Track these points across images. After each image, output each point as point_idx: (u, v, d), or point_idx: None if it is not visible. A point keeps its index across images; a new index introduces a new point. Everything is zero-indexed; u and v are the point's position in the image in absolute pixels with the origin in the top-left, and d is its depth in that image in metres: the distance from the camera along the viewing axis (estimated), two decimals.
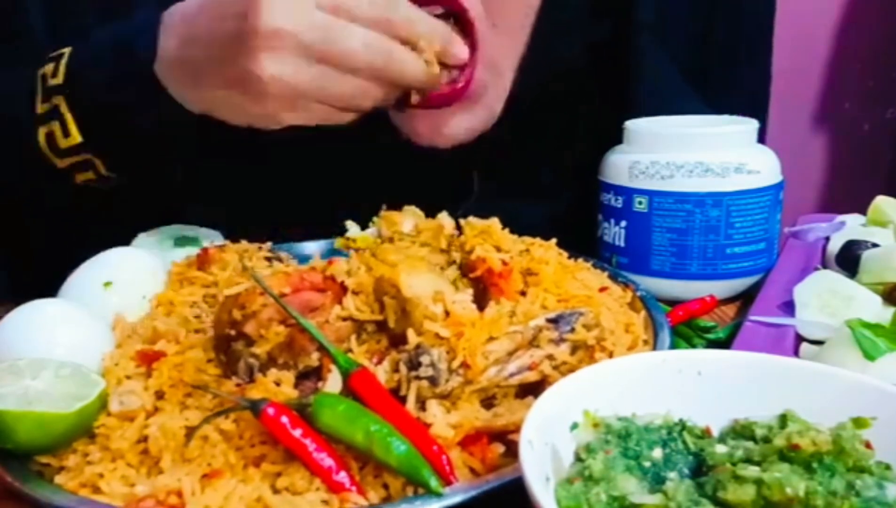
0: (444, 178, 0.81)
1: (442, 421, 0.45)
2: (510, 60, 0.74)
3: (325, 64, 0.56)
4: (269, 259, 0.70)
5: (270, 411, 0.43)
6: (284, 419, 0.43)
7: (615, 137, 0.78)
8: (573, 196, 0.87)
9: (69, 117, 0.62)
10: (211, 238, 0.74)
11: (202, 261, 0.65)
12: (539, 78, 0.76)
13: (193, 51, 0.58)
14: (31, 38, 0.74)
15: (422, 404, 0.47)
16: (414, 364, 0.47)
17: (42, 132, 0.63)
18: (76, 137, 0.63)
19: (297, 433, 0.43)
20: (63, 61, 0.64)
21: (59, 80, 0.63)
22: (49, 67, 0.64)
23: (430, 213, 0.66)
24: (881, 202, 0.83)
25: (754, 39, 1.09)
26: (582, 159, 0.81)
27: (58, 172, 0.65)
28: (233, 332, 0.51)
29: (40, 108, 0.63)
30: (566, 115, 0.86)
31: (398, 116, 0.71)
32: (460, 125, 0.71)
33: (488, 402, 0.49)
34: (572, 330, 0.51)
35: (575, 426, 0.39)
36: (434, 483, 0.41)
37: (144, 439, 0.46)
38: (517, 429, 0.37)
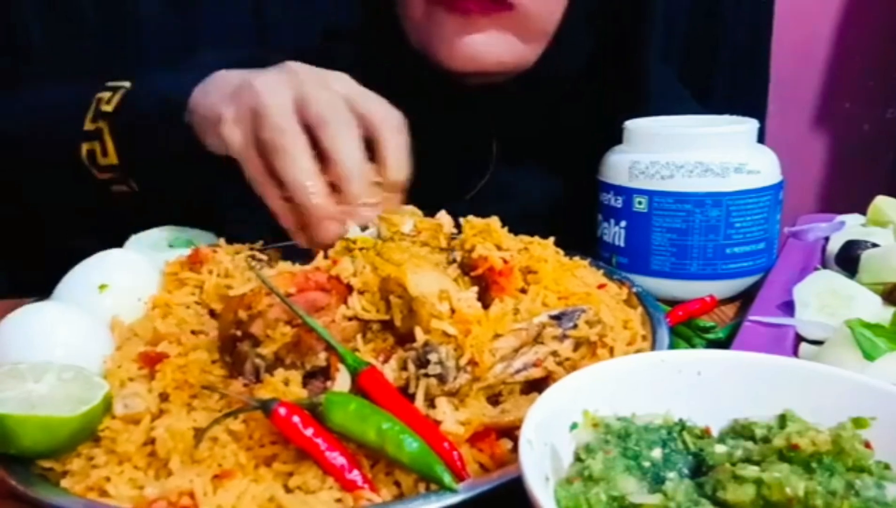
0: (467, 145, 0.87)
1: (451, 418, 0.45)
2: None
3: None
4: (252, 257, 0.70)
5: (282, 410, 0.43)
6: (296, 419, 0.43)
7: (615, 137, 0.78)
8: (572, 186, 0.88)
9: (109, 141, 0.70)
10: (205, 239, 0.73)
11: (193, 261, 0.65)
12: (555, 64, 0.81)
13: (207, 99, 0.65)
14: (30, 57, 0.84)
15: (430, 401, 0.47)
16: (422, 362, 0.47)
17: (85, 147, 0.71)
18: (113, 158, 0.70)
19: (309, 432, 0.43)
20: (119, 93, 0.72)
21: (110, 108, 0.71)
22: (106, 95, 0.72)
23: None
24: (881, 202, 0.83)
25: (753, 44, 1.10)
26: (582, 148, 0.82)
27: (96, 181, 0.72)
28: (239, 332, 0.51)
29: (88, 125, 0.71)
30: (574, 96, 0.88)
31: (431, 40, 0.78)
32: (491, 49, 0.77)
33: (495, 399, 0.50)
34: (575, 327, 0.52)
35: (574, 426, 0.39)
36: (448, 479, 0.41)
37: (151, 441, 0.46)
38: None
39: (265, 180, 0.60)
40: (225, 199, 0.77)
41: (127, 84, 0.73)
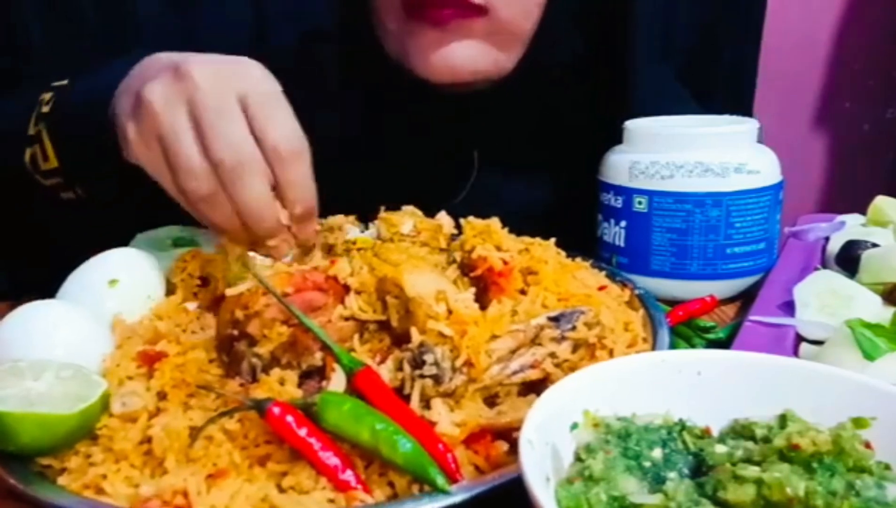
0: (447, 150, 0.85)
1: (446, 419, 0.45)
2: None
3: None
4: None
5: (276, 410, 0.43)
6: (290, 419, 0.43)
7: (615, 137, 0.78)
8: (569, 187, 0.88)
9: (48, 144, 0.66)
10: (209, 239, 0.73)
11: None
12: (538, 63, 0.80)
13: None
14: (30, 57, 0.80)
15: (426, 402, 0.47)
16: (418, 363, 0.47)
17: (28, 152, 0.67)
18: (53, 162, 0.66)
19: (303, 432, 0.43)
20: (57, 94, 0.67)
21: (48, 109, 0.67)
22: (47, 95, 0.68)
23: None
24: (881, 202, 0.83)
25: (744, 44, 1.10)
26: (579, 149, 0.82)
27: (45, 189, 0.68)
28: (235, 332, 0.51)
29: (31, 129, 0.67)
30: (563, 101, 0.87)
31: (408, 51, 0.76)
32: (467, 58, 0.75)
33: (491, 400, 0.49)
34: (574, 328, 0.52)
35: (575, 426, 0.39)
36: (441, 480, 0.41)
37: (147, 440, 0.46)
38: (520, 427, 0.37)
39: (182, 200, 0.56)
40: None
41: (67, 81, 0.69)
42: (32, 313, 0.53)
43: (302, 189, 0.57)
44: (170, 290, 0.65)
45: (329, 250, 0.65)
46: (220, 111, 0.54)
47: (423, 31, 0.75)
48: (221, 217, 0.56)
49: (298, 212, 0.57)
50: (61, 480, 0.45)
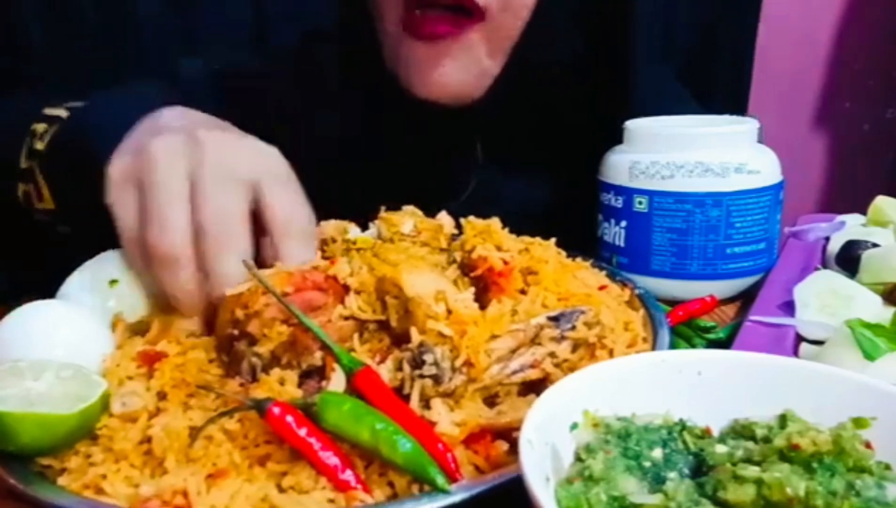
0: (449, 149, 0.85)
1: (446, 419, 0.45)
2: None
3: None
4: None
5: (276, 410, 0.43)
6: (290, 419, 0.43)
7: (615, 137, 0.78)
8: (570, 186, 0.88)
9: (42, 184, 0.63)
10: None
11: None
12: (537, 63, 0.79)
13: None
14: (30, 57, 0.76)
15: (426, 402, 0.47)
16: (417, 363, 0.47)
17: (21, 188, 0.64)
18: (49, 203, 0.64)
19: (303, 432, 0.43)
20: (53, 129, 0.63)
21: (42, 146, 0.63)
22: (40, 127, 0.64)
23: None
24: (881, 202, 0.83)
25: (740, 43, 1.10)
26: (579, 149, 0.82)
27: (39, 221, 0.66)
28: (235, 332, 0.51)
29: (24, 162, 0.63)
30: (564, 100, 0.87)
31: (400, 66, 0.75)
32: (459, 78, 0.75)
33: (491, 400, 0.49)
34: (573, 328, 0.52)
35: (575, 426, 0.39)
36: (441, 480, 0.41)
37: (147, 440, 0.46)
38: (520, 426, 0.37)
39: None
40: None
41: (63, 113, 0.64)
42: (32, 313, 0.53)
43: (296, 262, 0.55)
44: None
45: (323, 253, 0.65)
46: (222, 183, 0.52)
47: (416, 47, 0.74)
48: (173, 282, 0.53)
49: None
50: (61, 480, 0.45)
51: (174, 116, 0.59)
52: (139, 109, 0.60)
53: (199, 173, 0.52)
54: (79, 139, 0.62)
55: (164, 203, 0.52)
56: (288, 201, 0.55)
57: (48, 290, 0.59)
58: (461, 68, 0.75)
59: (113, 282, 0.60)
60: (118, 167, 0.55)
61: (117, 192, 0.55)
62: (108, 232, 0.63)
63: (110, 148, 0.58)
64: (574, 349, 0.52)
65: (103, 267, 0.61)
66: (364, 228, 0.69)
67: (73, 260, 0.62)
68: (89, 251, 0.63)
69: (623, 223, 0.75)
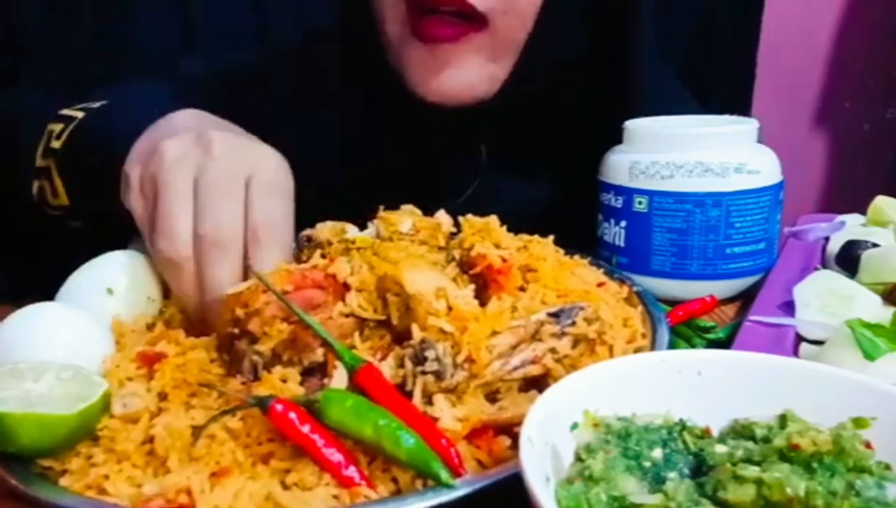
0: (452, 148, 0.85)
1: (449, 415, 0.45)
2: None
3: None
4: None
5: (279, 407, 0.43)
6: (292, 416, 0.43)
7: (615, 137, 0.78)
8: (570, 186, 0.88)
9: (58, 182, 0.65)
10: None
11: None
12: (542, 62, 0.79)
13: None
14: (30, 57, 0.77)
15: (428, 398, 0.47)
16: (419, 359, 0.47)
17: (36, 184, 0.66)
18: (63, 200, 0.66)
19: (306, 428, 0.43)
20: (70, 129, 0.66)
21: (59, 145, 0.65)
22: (57, 127, 0.66)
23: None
24: (881, 202, 0.83)
25: (740, 42, 1.09)
26: (579, 149, 0.82)
27: (50, 217, 0.68)
28: (236, 330, 0.51)
29: (39, 161, 0.66)
30: (565, 100, 0.87)
31: (404, 69, 0.76)
32: (463, 82, 0.75)
33: (492, 396, 0.50)
34: (573, 324, 0.52)
35: (575, 426, 0.39)
36: (445, 475, 0.41)
37: (149, 440, 0.46)
38: (522, 422, 0.37)
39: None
40: None
41: (80, 114, 0.67)
42: (33, 314, 0.53)
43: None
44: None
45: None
46: (224, 189, 0.54)
47: (419, 50, 0.74)
48: (179, 285, 0.55)
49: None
50: (63, 481, 0.45)
51: (187, 117, 0.61)
52: (155, 111, 0.62)
53: (204, 179, 0.54)
54: (97, 139, 0.64)
55: (170, 211, 0.54)
56: (267, 210, 0.55)
57: (48, 291, 0.59)
58: (466, 71, 0.75)
59: (112, 283, 0.60)
60: (133, 167, 0.58)
61: (133, 192, 0.58)
62: (118, 227, 0.65)
63: (126, 148, 0.60)
64: (574, 344, 0.52)
65: (103, 269, 0.61)
66: (362, 227, 0.69)
67: (74, 261, 0.62)
68: (90, 252, 0.63)
69: (623, 223, 0.75)
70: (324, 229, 0.68)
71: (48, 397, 0.46)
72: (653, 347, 0.56)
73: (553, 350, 0.51)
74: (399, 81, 0.78)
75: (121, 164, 0.60)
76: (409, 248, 0.62)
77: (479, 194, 0.87)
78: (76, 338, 0.53)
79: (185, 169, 0.55)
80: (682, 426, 0.40)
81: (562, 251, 0.65)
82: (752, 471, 0.34)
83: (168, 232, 0.54)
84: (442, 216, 0.68)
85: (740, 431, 0.39)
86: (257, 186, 0.55)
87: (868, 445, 0.37)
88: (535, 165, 0.89)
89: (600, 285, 0.62)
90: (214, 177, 0.54)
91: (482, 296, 0.56)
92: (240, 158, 0.56)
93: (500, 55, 0.77)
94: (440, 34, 0.72)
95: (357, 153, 0.85)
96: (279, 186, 0.57)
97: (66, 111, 0.67)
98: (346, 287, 0.54)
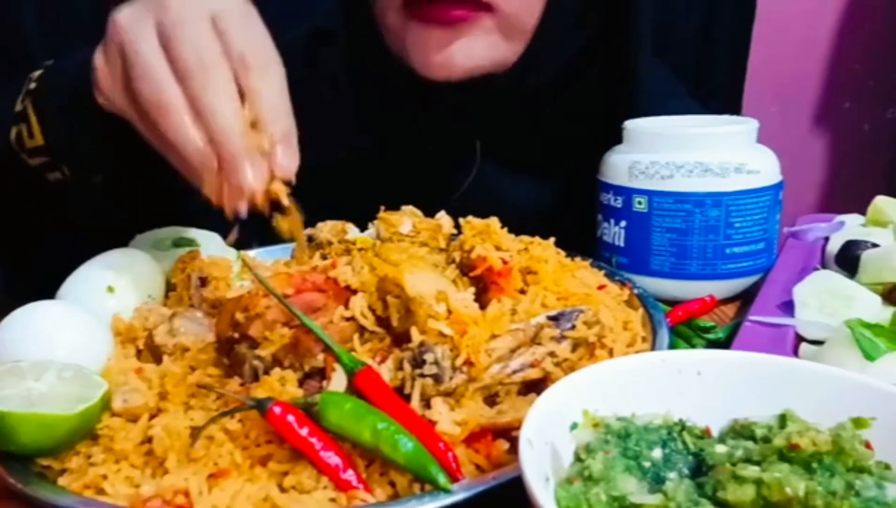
0: (449, 143, 0.85)
1: (447, 419, 0.45)
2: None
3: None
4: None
5: (277, 410, 0.43)
6: (291, 418, 0.43)
7: (615, 137, 0.78)
8: (569, 186, 0.88)
9: (33, 119, 0.64)
10: (209, 240, 0.73)
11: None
12: (541, 63, 0.79)
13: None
14: (30, 56, 0.77)
15: (426, 401, 0.47)
16: (418, 362, 0.47)
17: (14, 130, 0.65)
18: (38, 139, 0.64)
19: (304, 431, 0.43)
20: (46, 70, 0.65)
21: (34, 85, 0.65)
22: (36, 73, 0.66)
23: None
24: (881, 202, 0.83)
25: (735, 40, 1.09)
26: (579, 149, 0.82)
27: (32, 171, 0.66)
28: (236, 335, 0.51)
29: (18, 106, 0.65)
30: (564, 99, 0.87)
31: (408, 49, 0.76)
32: (470, 55, 0.75)
33: (491, 399, 0.50)
34: (573, 327, 0.52)
35: (574, 426, 0.39)
36: (442, 479, 0.41)
37: (148, 440, 0.46)
38: (521, 426, 0.37)
39: (157, 137, 0.53)
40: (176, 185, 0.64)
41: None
42: (34, 313, 0.53)
43: (274, 105, 0.53)
44: (170, 290, 0.65)
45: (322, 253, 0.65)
46: (187, 22, 0.51)
47: (425, 30, 0.75)
48: (175, 130, 0.50)
49: (274, 133, 0.52)
50: (62, 480, 0.45)
51: None
52: None
53: (165, 21, 0.51)
54: (68, 71, 0.62)
55: (135, 56, 0.51)
56: (243, 36, 0.52)
57: (48, 290, 0.59)
58: (468, 49, 0.75)
59: (113, 282, 0.60)
60: (97, 55, 0.55)
61: (103, 77, 0.55)
62: (93, 169, 0.65)
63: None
64: (574, 348, 0.52)
65: (104, 267, 0.61)
66: (362, 228, 0.69)
67: (73, 260, 0.62)
68: (90, 251, 0.63)
69: (623, 223, 0.75)
70: (324, 229, 0.68)
71: (49, 396, 0.46)
72: (653, 350, 0.56)
73: (552, 354, 0.50)
74: (401, 68, 0.78)
75: (88, 82, 0.57)
76: (409, 249, 0.62)
77: (478, 194, 0.87)
78: (76, 337, 0.53)
79: (141, 21, 0.52)
80: (682, 426, 0.40)
81: (563, 253, 0.65)
82: (751, 471, 0.34)
83: (143, 71, 0.51)
84: (442, 218, 0.68)
85: (740, 431, 0.39)
86: (225, 18, 0.52)
87: (868, 445, 0.37)
88: (535, 165, 0.89)
89: (601, 287, 0.62)
90: (175, 17, 0.51)
91: (482, 298, 0.56)
92: (196, 1, 0.53)
93: (509, 37, 0.77)
94: (451, 16, 0.73)
95: (357, 153, 0.85)
96: (247, 14, 0.54)
97: (49, 62, 0.66)
98: (351, 291, 0.53)
